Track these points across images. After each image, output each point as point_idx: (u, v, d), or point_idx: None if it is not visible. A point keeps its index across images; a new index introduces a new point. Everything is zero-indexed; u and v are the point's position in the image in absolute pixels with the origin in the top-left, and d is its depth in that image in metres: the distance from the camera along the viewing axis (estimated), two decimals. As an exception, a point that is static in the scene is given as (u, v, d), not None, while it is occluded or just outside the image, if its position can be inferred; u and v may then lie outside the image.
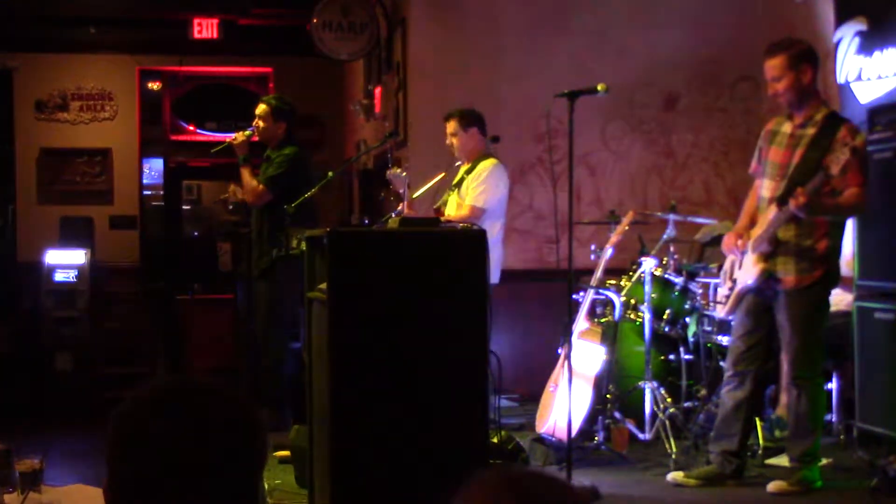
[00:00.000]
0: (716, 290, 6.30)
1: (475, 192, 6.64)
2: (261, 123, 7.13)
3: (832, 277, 5.48)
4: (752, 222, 5.59)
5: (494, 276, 6.67)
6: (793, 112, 5.49)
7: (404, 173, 6.53)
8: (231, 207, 7.64)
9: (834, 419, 6.46)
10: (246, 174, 7.09)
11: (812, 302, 5.42)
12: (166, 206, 12.62)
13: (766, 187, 5.52)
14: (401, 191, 6.50)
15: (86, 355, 9.65)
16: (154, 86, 12.18)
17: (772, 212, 5.38)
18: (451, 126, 6.81)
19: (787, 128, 5.51)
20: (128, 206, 11.92)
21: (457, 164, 6.92)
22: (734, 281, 5.64)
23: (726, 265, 5.81)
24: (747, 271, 5.52)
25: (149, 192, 12.51)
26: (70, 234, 10.90)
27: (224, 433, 1.73)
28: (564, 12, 8.60)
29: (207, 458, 1.70)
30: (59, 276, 9.82)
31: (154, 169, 12.56)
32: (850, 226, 6.09)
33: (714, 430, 5.76)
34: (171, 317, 10.59)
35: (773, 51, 5.44)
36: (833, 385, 6.41)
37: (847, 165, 5.11)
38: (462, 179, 6.76)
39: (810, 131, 5.39)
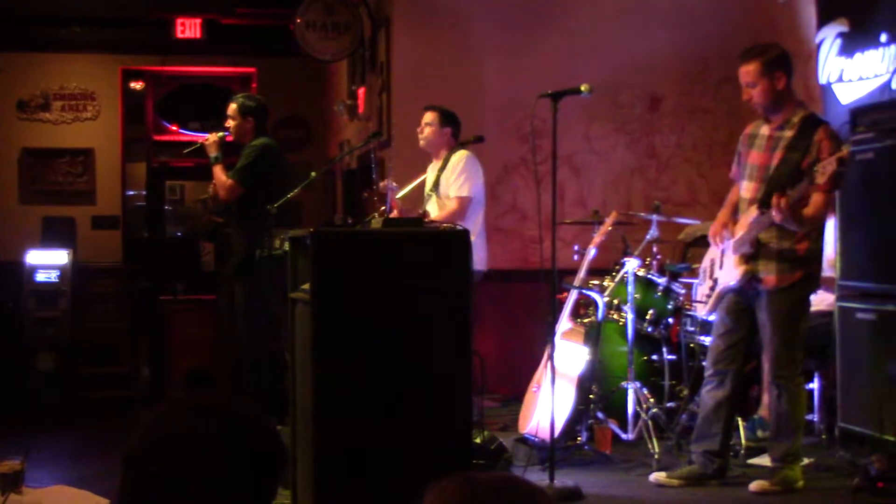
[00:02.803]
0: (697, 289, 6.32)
1: (458, 184, 6.68)
2: (231, 122, 7.15)
3: (813, 279, 5.51)
4: (736, 212, 5.62)
5: (482, 264, 6.73)
6: (769, 116, 5.52)
7: (395, 183, 6.66)
8: (210, 207, 7.63)
9: (816, 419, 6.48)
10: (218, 171, 7.11)
11: (793, 302, 5.45)
12: (149, 206, 12.58)
13: (746, 189, 5.56)
14: (394, 201, 6.59)
15: (68, 356, 9.60)
16: (137, 86, 12.13)
17: (752, 213, 5.40)
18: (431, 117, 6.88)
19: (765, 130, 5.55)
20: (110, 206, 11.86)
21: (430, 169, 6.97)
22: (715, 280, 5.66)
23: (705, 263, 5.83)
24: (729, 272, 5.54)
25: (131, 193, 12.47)
26: (52, 235, 10.84)
27: (258, 449, 1.73)
28: (548, 12, 8.60)
29: (242, 471, 1.70)
30: (41, 277, 9.77)
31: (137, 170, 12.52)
32: (832, 227, 6.11)
33: (695, 430, 5.77)
34: (153, 317, 10.53)
35: (747, 57, 5.47)
36: (815, 385, 6.43)
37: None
38: (438, 179, 6.80)
39: (788, 133, 5.43)
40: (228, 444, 1.70)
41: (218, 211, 7.38)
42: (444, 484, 1.53)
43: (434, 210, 6.75)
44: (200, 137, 7.37)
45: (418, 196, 7.00)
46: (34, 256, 9.86)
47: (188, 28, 10.81)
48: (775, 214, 5.21)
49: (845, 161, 5.10)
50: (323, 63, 10.20)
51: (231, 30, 11.10)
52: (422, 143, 6.93)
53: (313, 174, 6.80)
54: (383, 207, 6.53)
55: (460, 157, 6.76)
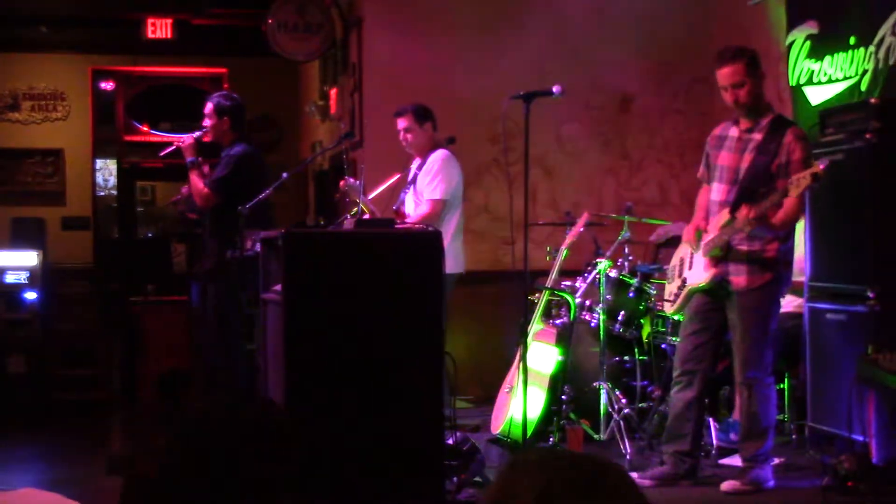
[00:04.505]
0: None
1: (431, 186, 6.66)
2: (207, 122, 7.10)
3: (782, 281, 5.53)
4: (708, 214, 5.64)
5: (459, 266, 6.71)
6: (747, 116, 5.53)
7: (358, 181, 6.57)
8: (182, 207, 7.58)
9: (786, 419, 6.52)
10: (194, 177, 7.03)
11: (762, 303, 5.47)
12: (120, 206, 12.51)
13: (716, 191, 5.57)
14: (358, 199, 6.51)
15: (38, 358, 9.54)
16: (107, 86, 12.07)
17: (724, 216, 5.42)
18: (407, 121, 6.81)
19: (734, 132, 5.56)
20: (80, 206, 11.81)
21: (414, 163, 6.94)
22: (683, 280, 5.68)
23: (674, 262, 5.86)
24: (698, 273, 5.56)
25: (102, 193, 12.40)
26: (21, 236, 10.77)
27: (281, 451, 1.75)
28: (520, 14, 8.62)
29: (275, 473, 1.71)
30: (10, 278, 9.70)
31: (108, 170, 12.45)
32: (801, 228, 6.14)
33: (666, 430, 5.79)
34: (124, 318, 10.49)
35: (730, 58, 5.44)
36: (785, 385, 6.48)
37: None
38: (416, 176, 6.78)
39: (757, 136, 5.45)
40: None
41: (191, 208, 7.33)
42: (529, 465, 1.48)
43: (410, 205, 6.74)
44: (173, 138, 7.31)
45: (390, 198, 6.98)
46: (3, 258, 9.79)
47: (159, 28, 10.75)
48: (743, 227, 5.24)
49: (819, 177, 5.09)
50: (295, 64, 10.18)
51: (202, 30, 11.06)
52: (409, 150, 6.87)
53: (285, 175, 6.77)
54: (356, 209, 6.50)
55: (436, 157, 6.73)
